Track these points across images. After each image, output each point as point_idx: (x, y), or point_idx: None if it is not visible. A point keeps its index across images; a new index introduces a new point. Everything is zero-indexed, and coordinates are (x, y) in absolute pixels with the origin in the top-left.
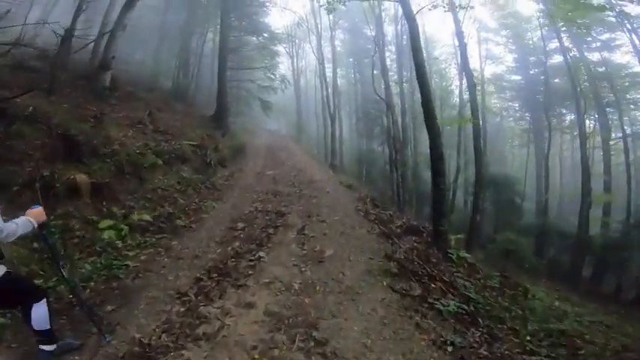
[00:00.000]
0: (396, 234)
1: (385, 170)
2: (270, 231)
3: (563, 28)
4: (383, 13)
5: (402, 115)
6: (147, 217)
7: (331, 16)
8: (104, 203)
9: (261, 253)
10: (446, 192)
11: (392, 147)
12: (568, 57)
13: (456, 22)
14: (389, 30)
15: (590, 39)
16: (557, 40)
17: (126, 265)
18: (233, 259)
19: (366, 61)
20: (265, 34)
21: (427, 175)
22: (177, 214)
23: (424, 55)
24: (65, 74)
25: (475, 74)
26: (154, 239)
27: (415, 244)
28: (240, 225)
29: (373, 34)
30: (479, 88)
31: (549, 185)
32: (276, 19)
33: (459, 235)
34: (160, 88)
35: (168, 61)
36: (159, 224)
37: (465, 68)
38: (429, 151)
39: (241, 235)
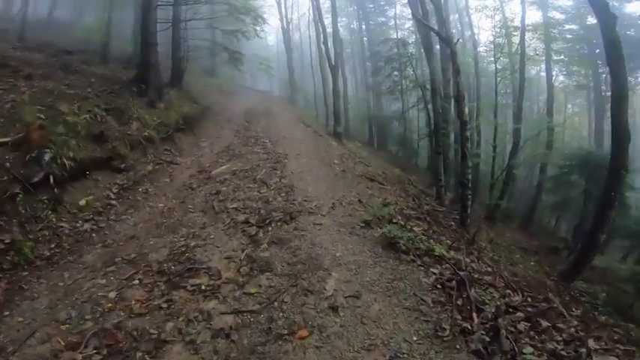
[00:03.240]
0: None
1: (405, 138)
2: None
3: None
4: None
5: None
6: None
7: None
8: None
9: None
10: None
11: (441, 110)
12: None
13: None
14: None
15: None
16: None
17: None
18: None
19: (371, 6)
20: None
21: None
22: None
23: None
24: None
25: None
26: None
27: None
28: None
29: None
30: (516, 34)
31: None
32: None
33: None
34: (88, 50)
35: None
36: None
37: None
38: None
39: None
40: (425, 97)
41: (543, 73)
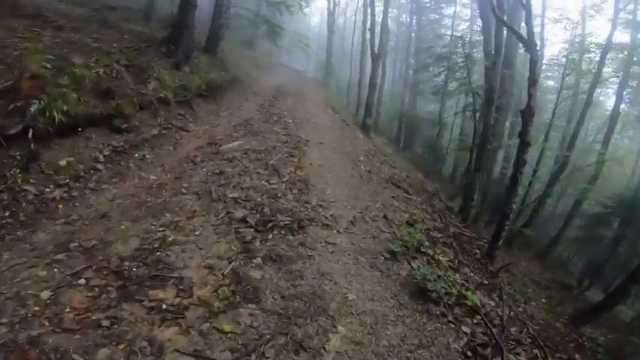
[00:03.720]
0: None
1: (436, 142)
2: None
3: None
4: None
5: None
6: None
7: None
8: None
9: None
10: None
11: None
12: None
13: None
14: None
15: None
16: None
17: None
18: None
19: (427, 1)
20: None
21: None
22: None
23: None
24: None
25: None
26: None
27: None
28: None
29: None
30: (594, 52)
31: None
32: None
33: None
34: (134, 9)
35: None
36: None
37: None
38: None
39: None
40: (475, 104)
41: (602, 97)
